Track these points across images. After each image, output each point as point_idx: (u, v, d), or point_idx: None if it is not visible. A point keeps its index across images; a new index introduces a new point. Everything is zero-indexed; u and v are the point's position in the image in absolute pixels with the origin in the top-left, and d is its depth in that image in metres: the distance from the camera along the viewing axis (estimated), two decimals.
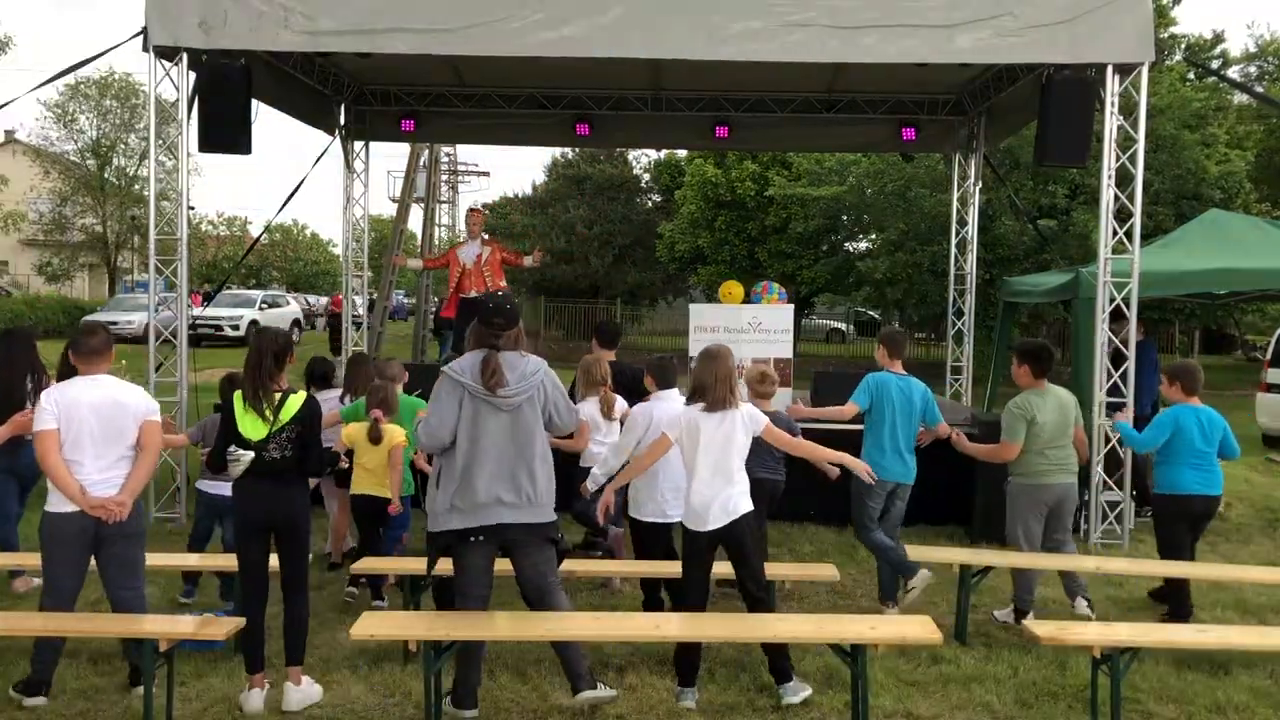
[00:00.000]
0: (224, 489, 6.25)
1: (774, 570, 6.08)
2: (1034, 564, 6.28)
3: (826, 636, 4.71)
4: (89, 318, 28.05)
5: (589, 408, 6.61)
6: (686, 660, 4.99)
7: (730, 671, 5.34)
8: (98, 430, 4.69)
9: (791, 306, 10.17)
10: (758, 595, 5.00)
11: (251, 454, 4.71)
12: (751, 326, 9.45)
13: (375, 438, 6.37)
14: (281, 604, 4.94)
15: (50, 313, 29.10)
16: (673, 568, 5.73)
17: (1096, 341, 8.36)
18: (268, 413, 4.74)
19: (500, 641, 5.51)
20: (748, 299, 10.03)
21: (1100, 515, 8.30)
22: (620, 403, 6.67)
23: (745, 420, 4.96)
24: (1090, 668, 4.91)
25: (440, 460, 4.72)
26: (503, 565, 6.17)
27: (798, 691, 4.95)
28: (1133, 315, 8.36)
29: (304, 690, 4.87)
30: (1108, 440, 8.41)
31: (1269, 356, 14.56)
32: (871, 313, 32.35)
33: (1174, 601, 6.31)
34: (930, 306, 21.28)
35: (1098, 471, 8.32)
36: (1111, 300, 8.39)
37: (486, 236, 11.40)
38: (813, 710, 4.94)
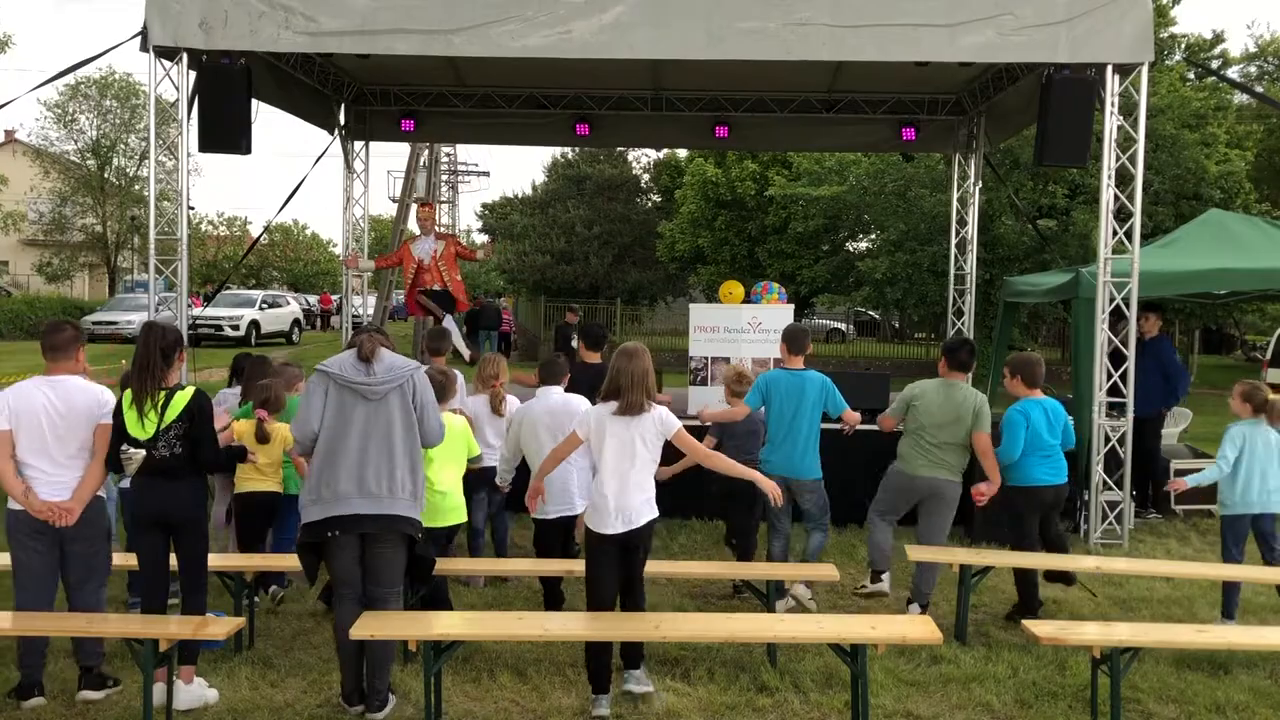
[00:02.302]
0: None
1: (774, 570, 6.10)
2: (1033, 563, 6.28)
3: (826, 636, 4.71)
4: (88, 317, 28.11)
5: (478, 404, 6.78)
6: (599, 663, 4.81)
7: (730, 671, 5.34)
8: (49, 432, 4.69)
9: (791, 306, 10.17)
10: (629, 606, 4.93)
11: (143, 452, 4.69)
12: (751, 326, 9.44)
13: (261, 437, 6.27)
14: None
15: (50, 313, 29.12)
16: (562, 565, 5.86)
17: (1096, 341, 8.37)
18: (150, 411, 4.69)
19: (500, 641, 5.53)
20: (748, 299, 10.03)
21: (1100, 515, 8.31)
22: (511, 400, 6.83)
23: (656, 425, 4.80)
24: (1090, 668, 4.92)
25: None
26: (498, 565, 6.18)
27: (641, 682, 4.92)
28: (1132, 315, 8.37)
29: (194, 690, 4.82)
30: (1108, 440, 8.41)
31: (1269, 356, 14.56)
32: (871, 313, 32.34)
33: (1024, 595, 6.30)
34: (930, 306, 21.28)
35: (1098, 471, 8.32)
36: (1111, 300, 8.39)
37: (440, 231, 11.38)
38: (813, 710, 4.95)
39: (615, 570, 4.87)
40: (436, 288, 10.78)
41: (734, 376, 6.78)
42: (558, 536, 6.00)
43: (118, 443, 4.73)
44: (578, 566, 6.08)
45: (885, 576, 6.41)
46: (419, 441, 4.76)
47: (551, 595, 6.03)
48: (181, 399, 4.75)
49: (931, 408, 6.22)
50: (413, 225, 29.92)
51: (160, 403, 4.70)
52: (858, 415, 6.52)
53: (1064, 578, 6.43)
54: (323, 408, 4.65)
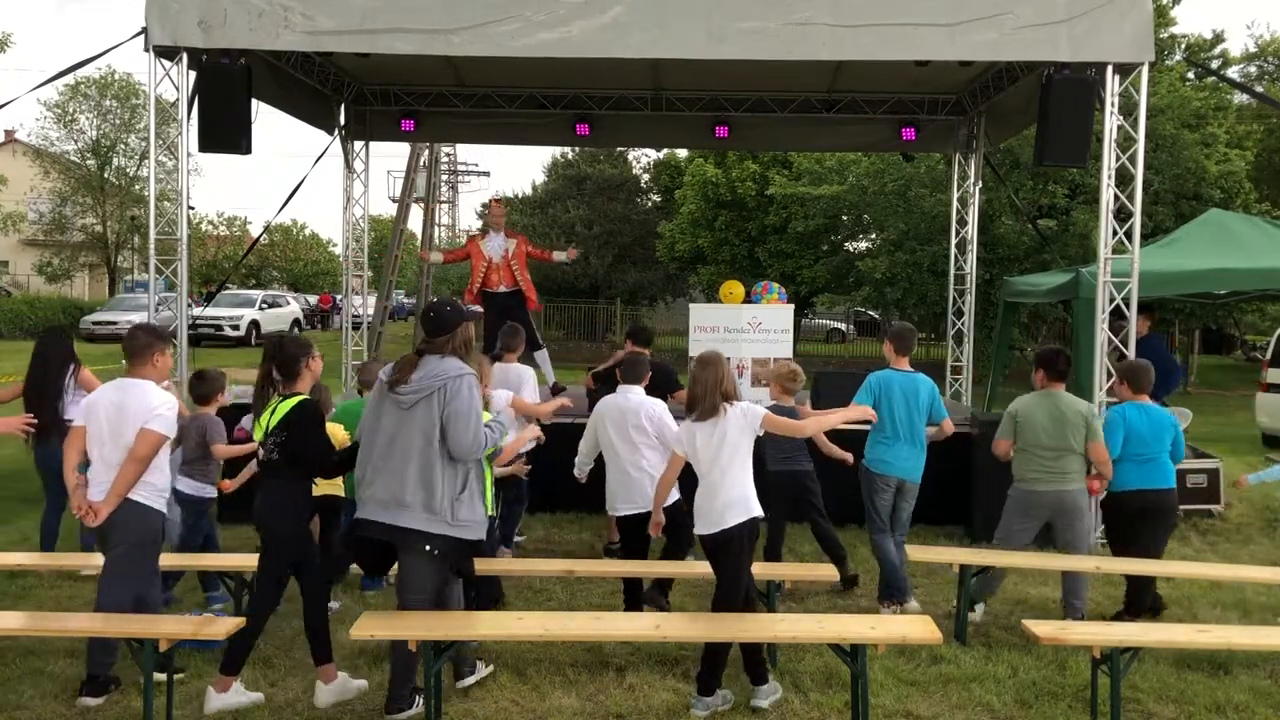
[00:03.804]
0: (201, 489, 6.26)
1: (774, 570, 6.10)
2: (1033, 564, 6.29)
3: (826, 636, 4.71)
4: (88, 317, 28.14)
5: None
6: (710, 665, 4.91)
7: (731, 671, 5.32)
8: (105, 432, 4.78)
9: (791, 306, 10.17)
10: (722, 603, 4.98)
11: (260, 454, 4.89)
12: (751, 326, 9.45)
13: None
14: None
15: (50, 313, 29.12)
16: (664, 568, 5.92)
17: (1096, 341, 8.36)
18: (265, 417, 4.86)
19: (500, 641, 5.52)
20: (748, 299, 10.03)
21: (1100, 515, 8.28)
22: (497, 397, 6.62)
23: (739, 420, 4.90)
24: (1090, 668, 4.92)
25: None
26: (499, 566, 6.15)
27: (769, 695, 4.95)
28: (1133, 315, 8.37)
29: (227, 698, 4.81)
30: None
31: (1269, 356, 14.55)
32: (871, 313, 32.35)
33: (1137, 598, 6.31)
34: (930, 306, 21.28)
35: None
36: (1111, 300, 8.39)
37: (509, 229, 10.93)
38: (813, 710, 4.94)
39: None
40: (504, 289, 10.50)
41: (788, 373, 6.74)
42: (630, 533, 6.06)
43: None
44: (579, 567, 6.11)
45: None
46: (441, 453, 4.55)
47: (631, 595, 6.05)
48: (284, 406, 4.82)
49: (1040, 422, 6.11)
50: (414, 225, 29.96)
51: (271, 409, 4.83)
52: (953, 427, 6.50)
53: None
54: (372, 412, 4.72)
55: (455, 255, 11.85)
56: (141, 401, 4.79)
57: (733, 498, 4.88)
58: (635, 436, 5.88)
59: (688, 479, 6.01)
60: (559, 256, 11.39)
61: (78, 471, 4.81)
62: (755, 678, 4.97)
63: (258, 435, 4.91)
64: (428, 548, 4.59)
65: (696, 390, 4.94)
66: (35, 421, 6.15)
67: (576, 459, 6.28)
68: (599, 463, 6.18)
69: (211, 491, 6.42)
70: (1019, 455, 6.24)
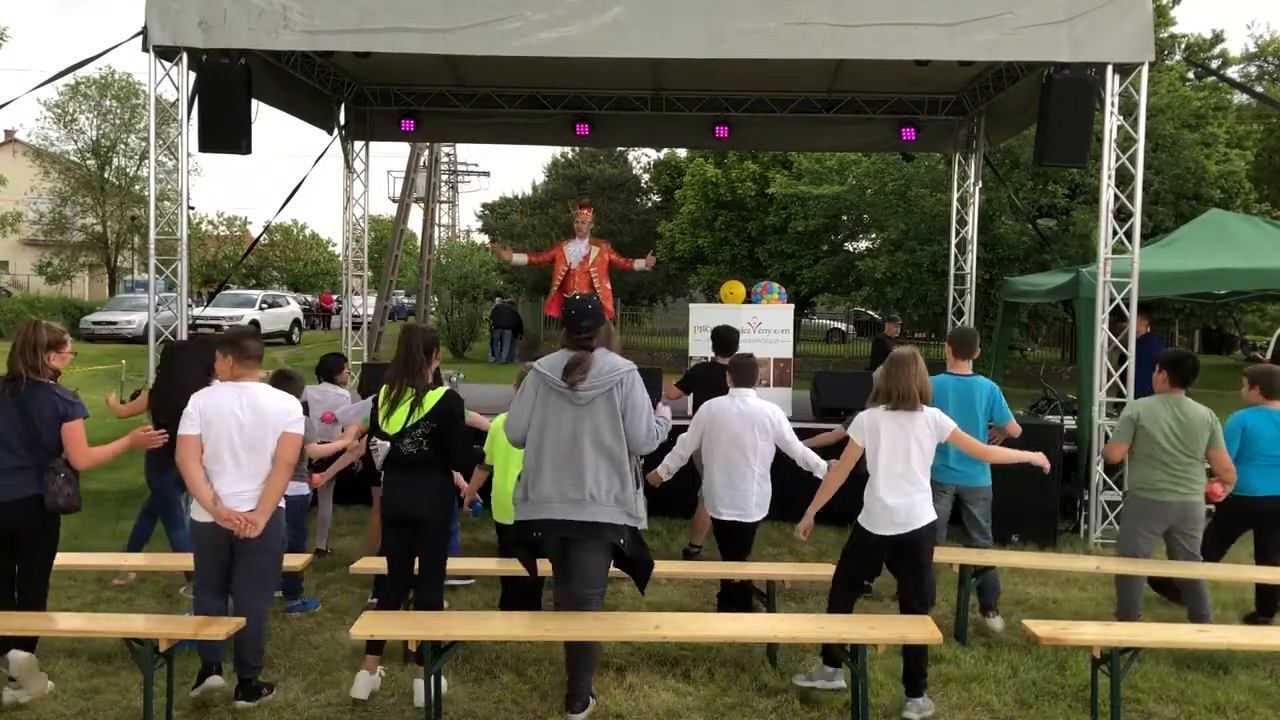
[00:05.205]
0: (299, 488, 6.21)
1: (774, 570, 6.09)
2: (1033, 564, 6.28)
3: (826, 636, 4.71)
4: (88, 317, 28.13)
5: None
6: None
7: (730, 671, 5.34)
8: (238, 440, 4.70)
9: (791, 306, 10.16)
10: (914, 607, 4.93)
11: (388, 445, 4.81)
12: (751, 326, 9.44)
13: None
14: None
15: (50, 313, 29.10)
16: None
17: (1096, 341, 8.37)
18: (401, 407, 4.80)
19: (501, 641, 5.52)
20: (748, 299, 10.02)
21: (1100, 515, 8.30)
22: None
23: (932, 425, 4.89)
24: (1090, 668, 4.92)
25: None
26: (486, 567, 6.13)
27: (921, 710, 4.86)
28: (1133, 315, 8.38)
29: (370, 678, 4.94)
30: (1108, 439, 8.40)
31: (1269, 356, 14.56)
32: (871, 313, 32.33)
33: (1262, 602, 6.28)
34: (930, 306, 21.28)
35: (1098, 471, 8.32)
36: (1111, 300, 8.39)
37: (594, 236, 10.87)
38: (813, 710, 4.94)
39: (868, 570, 4.98)
40: (578, 294, 10.47)
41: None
42: (729, 538, 5.98)
43: (371, 436, 4.91)
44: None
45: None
46: (625, 447, 4.60)
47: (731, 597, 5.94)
48: (432, 397, 4.82)
49: (1170, 430, 5.86)
50: (414, 225, 29.98)
51: (411, 399, 4.79)
52: (1019, 428, 6.36)
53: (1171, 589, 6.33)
54: (531, 409, 4.66)
55: (542, 258, 11.66)
56: (278, 406, 4.78)
57: (921, 499, 4.86)
58: (761, 442, 5.80)
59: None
60: (639, 265, 11.23)
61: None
62: (912, 689, 4.87)
63: (394, 427, 4.80)
64: (621, 541, 4.63)
65: (890, 383, 4.88)
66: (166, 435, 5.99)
67: (671, 460, 6.02)
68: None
69: (307, 489, 6.45)
70: (1139, 463, 5.99)
